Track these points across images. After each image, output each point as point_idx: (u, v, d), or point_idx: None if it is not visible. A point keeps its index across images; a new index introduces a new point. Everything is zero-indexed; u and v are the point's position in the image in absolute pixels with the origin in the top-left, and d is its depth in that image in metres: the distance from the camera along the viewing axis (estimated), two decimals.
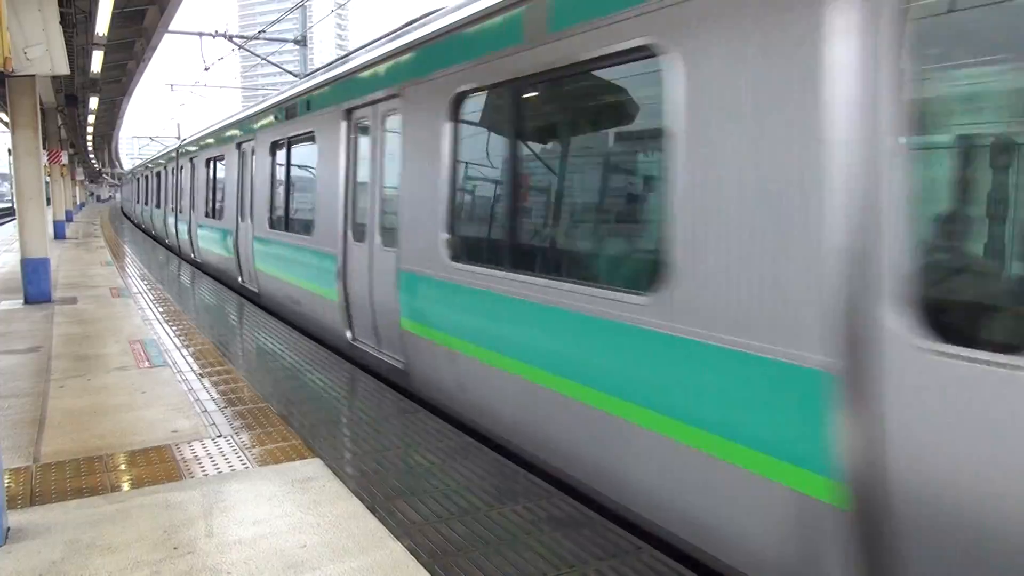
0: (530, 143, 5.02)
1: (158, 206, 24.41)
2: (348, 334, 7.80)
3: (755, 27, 3.09)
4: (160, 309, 10.43)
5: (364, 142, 7.49)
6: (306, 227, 9.00)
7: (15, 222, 13.02)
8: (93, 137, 41.76)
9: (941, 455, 2.48)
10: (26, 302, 10.92)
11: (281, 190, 10.38)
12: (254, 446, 4.88)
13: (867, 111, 2.67)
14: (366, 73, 7.21)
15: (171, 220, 20.75)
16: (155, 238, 25.77)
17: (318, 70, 9.41)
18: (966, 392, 2.40)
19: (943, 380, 2.46)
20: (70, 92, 22.37)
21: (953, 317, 2.57)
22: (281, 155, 10.36)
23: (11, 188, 15.07)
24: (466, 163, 5.65)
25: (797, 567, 3.01)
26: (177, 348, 7.85)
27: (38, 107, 11.35)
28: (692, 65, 3.39)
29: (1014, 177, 2.55)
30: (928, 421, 2.51)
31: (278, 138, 10.31)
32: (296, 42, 24.35)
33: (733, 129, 3.17)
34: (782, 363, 2.99)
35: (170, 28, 17.30)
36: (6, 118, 16.91)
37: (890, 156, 2.62)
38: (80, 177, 52.34)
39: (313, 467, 4.52)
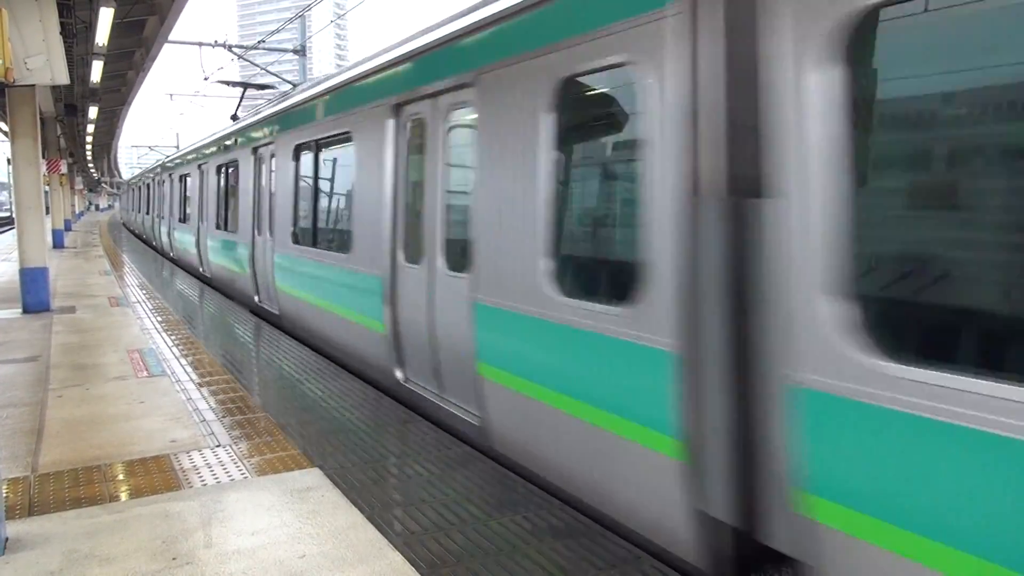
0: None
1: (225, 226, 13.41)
2: (399, 373, 6.46)
3: None
4: (159, 318, 10.43)
5: (418, 143, 6.17)
6: (342, 243, 7.73)
7: (14, 231, 13.03)
8: (92, 146, 41.83)
9: None
10: (25, 311, 10.92)
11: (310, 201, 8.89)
12: (253, 456, 4.87)
13: None
14: (423, 58, 5.91)
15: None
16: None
17: (355, 64, 7.87)
18: None
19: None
20: (70, 102, 22.42)
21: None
22: (307, 161, 8.93)
23: (10, 197, 15.13)
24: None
25: None
26: (176, 357, 7.85)
27: (38, 117, 11.38)
28: None
29: None
30: None
31: (303, 141, 8.78)
32: (295, 52, 24.41)
33: None
34: None
35: (170, 38, 17.38)
36: (6, 127, 16.94)
37: None
38: (79, 186, 52.39)
39: (312, 477, 4.51)
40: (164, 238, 22.23)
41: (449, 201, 5.63)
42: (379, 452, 4.96)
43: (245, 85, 18.95)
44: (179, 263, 19.48)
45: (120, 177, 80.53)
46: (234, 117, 17.20)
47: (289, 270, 8.51)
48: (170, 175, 21.21)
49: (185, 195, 18.51)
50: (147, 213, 28.32)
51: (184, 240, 18.22)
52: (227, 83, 19.29)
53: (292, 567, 3.40)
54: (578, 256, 4.35)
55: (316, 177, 8.66)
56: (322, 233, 8.18)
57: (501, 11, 4.70)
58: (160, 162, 25.19)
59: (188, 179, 17.98)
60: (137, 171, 45.48)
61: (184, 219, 18.47)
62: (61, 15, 10.01)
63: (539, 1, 4.35)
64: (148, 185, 27.98)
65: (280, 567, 3.40)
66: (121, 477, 4.50)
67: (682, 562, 3.57)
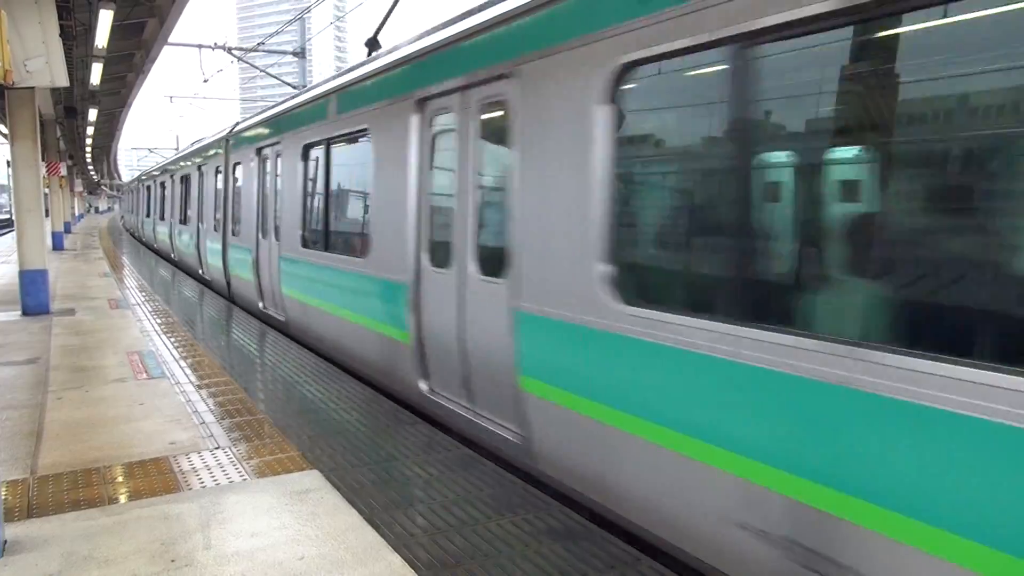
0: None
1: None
2: (260, 304, 10.64)
3: None
4: (158, 321, 10.43)
5: (267, 170, 10.62)
6: (236, 229, 12.38)
7: (13, 233, 13.06)
8: (92, 149, 41.83)
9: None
10: (24, 313, 10.92)
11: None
12: (252, 458, 4.87)
13: None
14: (267, 124, 10.62)
15: None
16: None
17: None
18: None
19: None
20: (69, 104, 22.42)
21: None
22: (221, 176, 13.66)
23: (10, 199, 15.24)
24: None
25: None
26: (175, 360, 7.85)
27: (37, 119, 11.38)
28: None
29: None
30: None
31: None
32: (295, 54, 24.43)
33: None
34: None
35: (169, 40, 17.39)
36: (5, 130, 16.94)
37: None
38: (79, 188, 52.40)
39: (311, 479, 4.51)
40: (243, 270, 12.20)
41: (276, 202, 9.98)
42: (378, 454, 4.96)
43: None
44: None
45: (120, 179, 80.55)
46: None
47: (211, 249, 12.78)
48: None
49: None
50: (182, 222, 18.26)
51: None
52: None
53: (291, 569, 3.40)
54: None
55: (226, 187, 13.23)
56: (229, 223, 12.98)
57: (288, 107, 9.59)
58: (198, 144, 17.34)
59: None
60: (137, 173, 43.76)
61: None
62: (60, 17, 10.02)
63: (294, 108, 9.30)
64: (186, 178, 17.89)
65: (279, 569, 3.40)
66: (120, 479, 4.50)
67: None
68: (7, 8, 7.61)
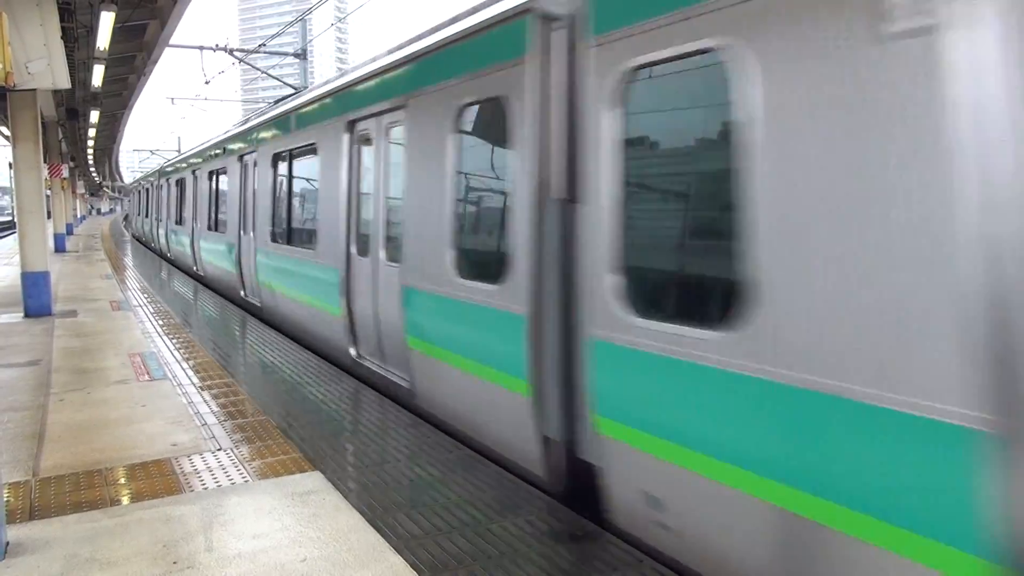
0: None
1: None
2: (195, 268, 15.06)
3: None
4: (160, 322, 10.43)
5: (208, 183, 14.50)
6: (185, 222, 17.99)
7: (16, 235, 13.09)
8: (94, 150, 41.87)
9: None
10: (26, 315, 10.92)
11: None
12: (254, 459, 4.87)
13: None
14: (202, 152, 14.79)
15: None
16: None
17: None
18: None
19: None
20: (71, 106, 22.45)
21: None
22: (183, 187, 18.38)
23: (12, 201, 15.47)
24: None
25: None
26: (177, 361, 7.85)
27: (39, 121, 11.40)
28: None
29: None
30: None
31: (179, 177, 18.90)
32: (296, 55, 24.46)
33: None
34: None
35: (171, 42, 17.40)
36: (7, 132, 16.97)
37: None
38: (81, 190, 52.42)
39: (313, 480, 4.51)
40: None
41: (204, 202, 15.04)
42: (381, 455, 4.95)
43: None
44: None
45: (122, 181, 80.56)
46: None
47: (172, 235, 15.47)
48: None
49: None
50: (278, 240, 10.20)
51: None
52: None
53: (293, 571, 3.40)
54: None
55: (179, 195, 19.12)
56: (182, 218, 16.30)
57: (210, 143, 15.41)
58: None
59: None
60: (138, 175, 41.73)
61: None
62: (62, 19, 10.02)
63: (219, 141, 14.49)
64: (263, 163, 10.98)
65: (281, 571, 3.39)
66: (122, 481, 4.50)
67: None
68: (8, 10, 7.62)
